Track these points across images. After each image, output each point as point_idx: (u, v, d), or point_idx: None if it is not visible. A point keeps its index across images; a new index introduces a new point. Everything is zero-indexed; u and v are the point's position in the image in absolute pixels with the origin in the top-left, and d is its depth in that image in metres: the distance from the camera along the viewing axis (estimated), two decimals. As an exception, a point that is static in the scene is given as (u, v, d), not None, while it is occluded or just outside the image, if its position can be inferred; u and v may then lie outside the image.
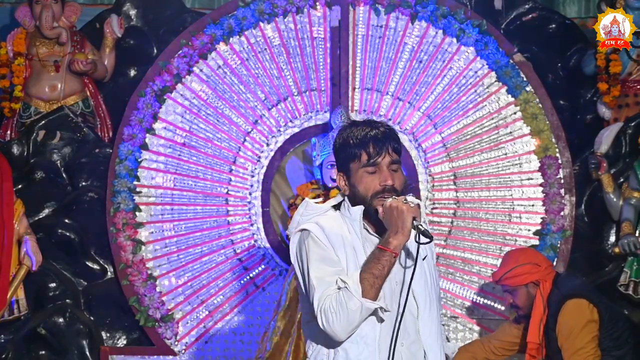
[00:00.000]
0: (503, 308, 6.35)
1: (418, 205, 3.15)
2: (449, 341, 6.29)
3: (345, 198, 3.28)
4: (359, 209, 3.21)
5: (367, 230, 3.23)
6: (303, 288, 3.19)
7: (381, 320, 3.13)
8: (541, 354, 5.13)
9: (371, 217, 3.21)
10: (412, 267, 3.15)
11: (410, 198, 3.15)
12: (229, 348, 6.44)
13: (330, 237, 3.16)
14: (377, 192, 3.19)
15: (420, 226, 3.10)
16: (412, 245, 3.19)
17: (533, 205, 6.47)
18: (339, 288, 3.07)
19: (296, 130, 6.61)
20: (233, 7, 6.66)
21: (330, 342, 3.14)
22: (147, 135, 6.54)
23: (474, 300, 6.40)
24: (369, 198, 3.20)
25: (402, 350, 3.16)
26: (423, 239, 3.09)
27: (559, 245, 6.37)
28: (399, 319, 3.12)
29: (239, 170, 6.58)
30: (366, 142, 3.19)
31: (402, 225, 3.09)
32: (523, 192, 6.50)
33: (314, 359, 3.21)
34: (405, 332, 3.17)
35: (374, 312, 3.10)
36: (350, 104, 6.54)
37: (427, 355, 3.20)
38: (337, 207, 3.32)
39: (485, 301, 6.39)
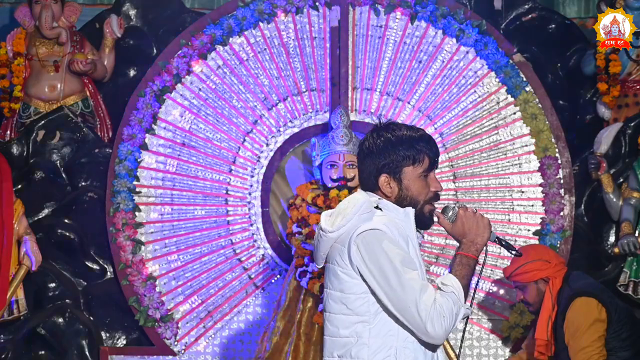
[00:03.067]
0: (503, 308, 6.36)
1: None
2: None
3: (382, 199, 3.24)
4: (413, 210, 3.24)
5: (419, 232, 3.30)
6: (381, 291, 3.10)
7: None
8: (549, 351, 5.14)
9: (416, 220, 3.25)
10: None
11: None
12: (229, 348, 6.44)
13: (399, 239, 3.17)
14: (430, 197, 3.26)
15: (502, 240, 3.32)
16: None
17: (532, 206, 6.48)
18: (441, 292, 3.10)
19: (296, 130, 6.61)
20: (233, 7, 6.66)
21: (389, 344, 3.13)
22: (147, 135, 6.54)
23: (474, 300, 6.39)
24: (422, 202, 3.24)
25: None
26: (508, 252, 3.33)
27: (558, 246, 6.38)
28: (465, 319, 3.21)
29: (238, 171, 6.57)
30: (429, 147, 3.27)
31: (483, 234, 3.21)
32: (522, 192, 6.50)
33: None
34: None
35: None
36: (350, 104, 6.54)
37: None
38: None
39: (486, 301, 6.39)
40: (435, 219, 3.27)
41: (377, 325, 3.13)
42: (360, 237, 3.13)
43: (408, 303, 3.06)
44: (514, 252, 3.36)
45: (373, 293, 3.13)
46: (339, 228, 3.17)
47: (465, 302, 3.13)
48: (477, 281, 3.35)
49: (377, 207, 3.20)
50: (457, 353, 3.30)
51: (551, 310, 5.11)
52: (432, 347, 3.17)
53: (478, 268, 3.26)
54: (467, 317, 3.20)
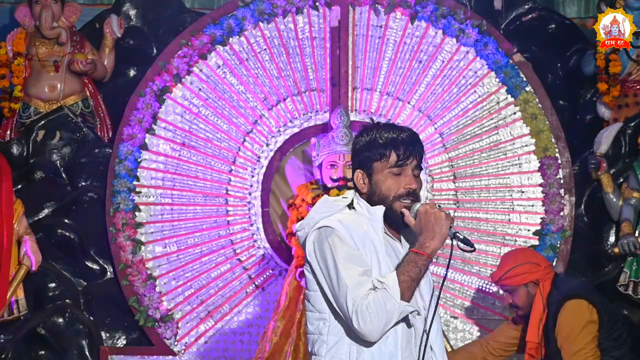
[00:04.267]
0: (502, 308, 6.36)
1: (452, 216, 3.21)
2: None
3: (359, 197, 3.27)
4: (380, 209, 3.21)
5: (386, 232, 3.25)
6: (326, 286, 3.15)
7: (410, 324, 3.16)
8: (540, 354, 5.12)
9: (388, 219, 3.22)
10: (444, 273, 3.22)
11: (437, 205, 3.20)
12: (229, 348, 6.44)
13: (354, 236, 3.15)
14: (401, 194, 3.20)
15: (459, 234, 3.16)
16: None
17: (533, 206, 6.48)
18: (375, 288, 3.07)
19: (296, 130, 6.61)
20: (233, 7, 6.66)
21: (353, 341, 3.14)
22: (147, 135, 6.54)
23: (474, 300, 6.40)
24: (390, 199, 3.21)
25: (415, 350, 3.19)
26: (463, 246, 3.16)
27: (558, 246, 6.38)
28: (428, 322, 3.16)
29: (238, 171, 6.58)
30: (397, 143, 3.20)
31: (440, 232, 3.12)
32: (523, 192, 6.50)
33: (330, 357, 3.17)
34: (416, 332, 3.20)
35: (405, 316, 3.12)
36: (350, 104, 6.55)
37: (433, 350, 3.23)
38: (349, 205, 3.29)
39: (485, 301, 6.40)
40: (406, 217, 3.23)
41: (334, 322, 3.15)
42: (313, 234, 3.19)
43: (341, 297, 3.08)
44: (468, 248, 3.19)
45: (322, 289, 3.16)
46: (304, 227, 3.24)
47: (408, 300, 3.07)
48: (443, 281, 3.32)
49: (350, 206, 3.24)
50: (422, 354, 3.22)
51: (542, 313, 5.08)
52: (390, 349, 3.13)
53: (446, 261, 3.22)
54: (431, 321, 3.15)
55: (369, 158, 3.23)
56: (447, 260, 3.23)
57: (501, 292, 6.36)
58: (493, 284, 6.36)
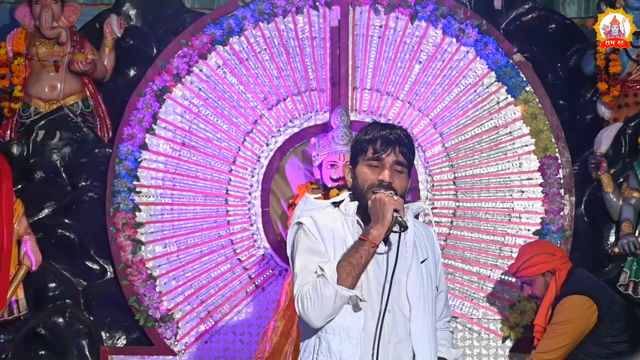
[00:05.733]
0: (503, 308, 6.36)
1: (402, 200, 3.24)
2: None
3: (348, 194, 3.37)
4: (354, 204, 3.30)
5: (360, 225, 3.30)
6: (293, 276, 3.29)
7: (358, 310, 3.18)
8: None
9: (364, 212, 3.27)
10: (409, 265, 3.26)
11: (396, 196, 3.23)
12: (229, 348, 6.44)
13: (322, 231, 3.26)
14: (373, 185, 3.27)
15: (399, 217, 3.18)
16: (409, 243, 3.28)
17: (533, 205, 6.48)
18: (318, 276, 3.16)
19: (296, 130, 6.61)
20: (233, 7, 6.66)
21: (313, 333, 3.23)
22: (147, 135, 6.54)
23: (474, 300, 6.40)
24: (365, 190, 3.28)
25: (389, 347, 3.21)
26: (396, 228, 3.18)
27: (558, 245, 6.37)
28: (381, 315, 3.18)
29: (238, 170, 6.57)
30: (375, 138, 3.30)
31: (383, 216, 3.17)
32: (523, 192, 6.50)
33: (303, 350, 3.29)
34: (395, 331, 3.22)
35: (353, 303, 3.17)
36: (349, 104, 6.54)
37: (416, 357, 3.23)
38: (338, 204, 3.39)
39: (485, 301, 6.39)
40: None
41: None
42: (289, 230, 3.36)
43: (295, 285, 3.21)
44: (396, 229, 3.18)
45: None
46: (292, 225, 3.38)
47: (352, 287, 3.13)
48: (393, 270, 3.20)
49: (337, 204, 3.35)
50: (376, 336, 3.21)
51: (552, 300, 5.25)
52: (361, 343, 3.15)
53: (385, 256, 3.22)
54: (383, 313, 3.16)
55: (354, 153, 3.36)
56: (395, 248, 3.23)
57: (501, 291, 6.38)
58: (493, 284, 6.37)
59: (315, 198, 3.39)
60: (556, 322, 5.13)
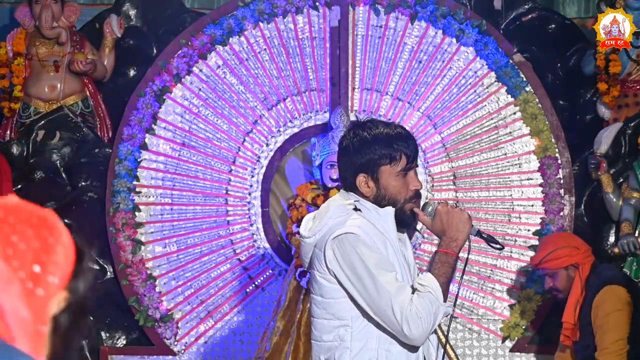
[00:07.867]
0: (502, 308, 6.36)
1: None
2: None
3: (362, 199, 3.21)
4: (391, 208, 3.18)
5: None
6: (357, 294, 3.09)
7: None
8: (575, 336, 5.22)
9: (396, 218, 3.20)
10: (462, 267, 3.31)
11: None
12: (229, 348, 6.44)
13: (375, 240, 3.13)
14: (412, 196, 3.21)
15: (483, 234, 3.27)
16: (406, 243, 3.29)
17: (532, 206, 6.47)
18: (416, 292, 3.07)
19: (296, 130, 6.61)
20: (233, 7, 6.66)
21: (381, 345, 3.13)
22: (147, 135, 6.55)
23: (474, 300, 6.40)
24: (402, 201, 3.20)
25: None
26: (493, 245, 3.29)
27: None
28: (450, 317, 3.22)
29: (238, 171, 6.58)
30: (407, 145, 3.19)
31: (464, 230, 3.18)
32: (522, 192, 6.50)
33: None
34: None
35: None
36: (349, 104, 6.54)
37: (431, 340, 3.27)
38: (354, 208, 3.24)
39: (485, 301, 6.39)
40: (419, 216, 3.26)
41: (358, 328, 3.12)
42: (336, 241, 3.10)
43: (384, 306, 3.05)
44: (496, 246, 3.31)
45: (351, 297, 3.12)
46: (315, 233, 3.16)
47: (445, 301, 3.10)
48: (462, 276, 3.35)
49: (355, 209, 3.18)
50: (443, 352, 3.26)
51: (579, 295, 5.20)
52: (414, 349, 3.14)
53: (461, 264, 3.28)
54: (451, 315, 3.20)
55: (373, 160, 3.17)
56: (464, 261, 3.29)
57: (501, 291, 6.37)
58: (493, 284, 6.36)
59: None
60: (606, 314, 5.05)
